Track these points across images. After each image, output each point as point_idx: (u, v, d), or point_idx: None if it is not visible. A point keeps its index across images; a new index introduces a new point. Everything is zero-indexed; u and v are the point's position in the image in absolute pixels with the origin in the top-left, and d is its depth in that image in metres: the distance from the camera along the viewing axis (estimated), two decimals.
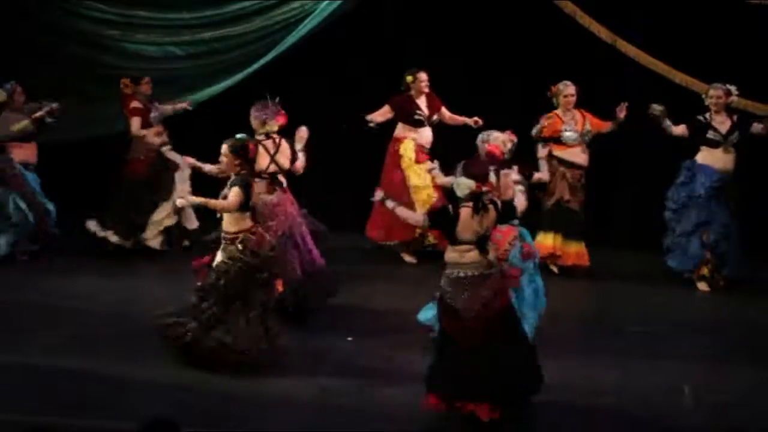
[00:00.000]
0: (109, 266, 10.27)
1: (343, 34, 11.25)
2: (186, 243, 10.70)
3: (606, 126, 10.22)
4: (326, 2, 10.92)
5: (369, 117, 10.37)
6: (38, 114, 10.34)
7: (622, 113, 10.02)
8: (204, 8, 11.31)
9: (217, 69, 11.10)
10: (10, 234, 10.29)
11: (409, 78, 10.45)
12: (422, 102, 10.54)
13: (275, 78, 10.90)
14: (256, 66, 11.00)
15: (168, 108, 10.60)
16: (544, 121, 10.08)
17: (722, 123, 9.79)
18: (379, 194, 7.73)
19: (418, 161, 10.37)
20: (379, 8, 11.27)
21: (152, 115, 10.50)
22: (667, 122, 9.84)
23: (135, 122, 10.49)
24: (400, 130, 10.60)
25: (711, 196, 9.72)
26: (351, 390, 7.34)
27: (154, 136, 10.53)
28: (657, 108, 9.80)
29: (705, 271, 9.86)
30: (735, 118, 9.82)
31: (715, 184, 9.70)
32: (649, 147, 10.20)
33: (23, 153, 10.52)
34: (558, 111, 10.22)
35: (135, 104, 10.51)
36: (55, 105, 10.35)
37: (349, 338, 8.39)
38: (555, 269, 10.34)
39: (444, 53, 11.25)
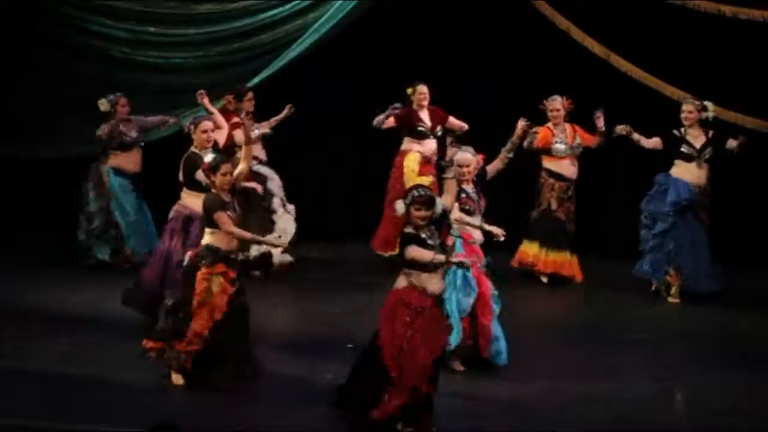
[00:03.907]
0: (112, 274, 10.35)
1: (343, 49, 11.38)
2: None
3: (593, 140, 10.35)
4: (328, 16, 11.04)
5: (375, 122, 10.51)
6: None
7: (600, 121, 10.16)
8: (212, 24, 11.43)
9: (225, 82, 11.14)
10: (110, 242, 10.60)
11: (410, 90, 10.61)
12: (424, 115, 10.68)
13: (277, 91, 11.10)
14: (258, 79, 11.11)
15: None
16: (536, 131, 10.27)
17: (696, 137, 9.80)
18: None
19: (421, 173, 10.46)
20: (380, 21, 11.42)
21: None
22: (636, 136, 9.85)
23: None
24: (406, 143, 10.72)
25: (682, 210, 9.78)
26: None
27: None
28: (623, 128, 9.84)
29: (674, 290, 9.95)
30: (710, 133, 9.83)
31: (688, 199, 9.75)
32: (641, 158, 10.32)
33: (120, 160, 10.69)
34: (549, 124, 10.41)
35: (236, 119, 10.32)
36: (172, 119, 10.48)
37: (350, 345, 8.41)
38: (544, 279, 10.48)
39: (441, 68, 11.35)
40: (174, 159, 8.92)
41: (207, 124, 8.73)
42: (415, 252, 6.65)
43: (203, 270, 7.46)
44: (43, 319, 9.06)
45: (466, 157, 7.99)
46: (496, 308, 8.02)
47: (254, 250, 10.24)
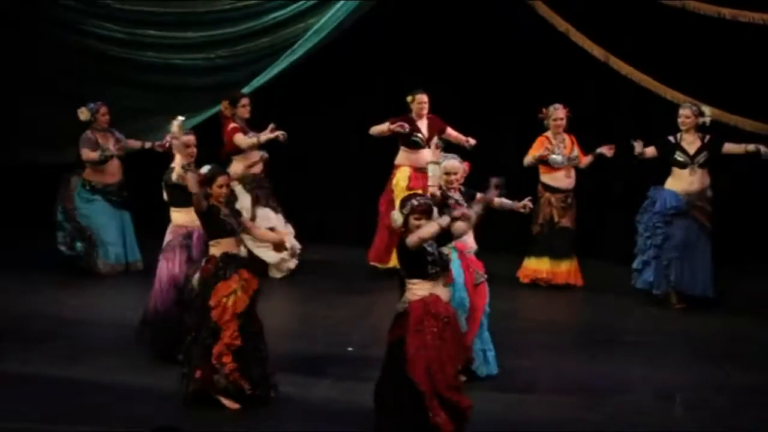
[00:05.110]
0: (115, 278, 10.44)
1: (343, 53, 11.42)
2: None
3: (585, 160, 10.35)
4: (327, 19, 11.07)
5: (372, 130, 10.52)
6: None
7: (608, 151, 10.14)
8: (212, 27, 11.46)
9: (226, 84, 11.16)
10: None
11: (409, 99, 10.55)
12: (423, 124, 10.59)
13: (277, 95, 11.12)
14: (258, 82, 11.15)
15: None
16: (542, 151, 10.26)
17: (691, 143, 9.76)
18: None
19: (409, 188, 10.42)
20: (379, 26, 11.38)
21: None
22: (646, 151, 9.82)
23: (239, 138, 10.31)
24: (400, 156, 10.67)
25: (671, 219, 9.73)
26: (351, 398, 7.39)
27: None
28: (639, 148, 9.79)
29: (675, 298, 9.92)
30: (706, 138, 9.79)
31: (675, 207, 9.70)
32: (640, 162, 10.34)
33: (96, 172, 10.62)
34: (548, 133, 10.38)
35: (233, 124, 10.34)
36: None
37: (350, 348, 8.51)
38: (542, 283, 10.48)
39: (438, 72, 11.39)
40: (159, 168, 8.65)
41: (189, 139, 8.34)
42: (420, 233, 6.39)
43: (227, 281, 7.29)
44: (44, 322, 9.08)
45: (454, 164, 7.81)
46: (485, 321, 7.87)
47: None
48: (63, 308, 9.49)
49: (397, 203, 10.01)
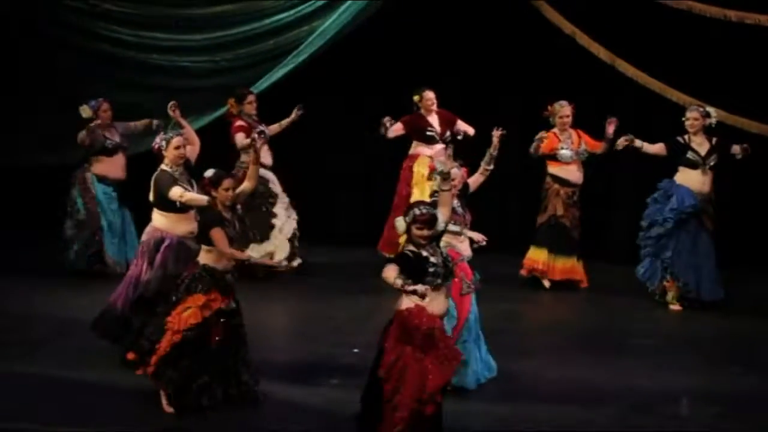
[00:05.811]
0: (117, 279, 10.36)
1: (349, 53, 11.45)
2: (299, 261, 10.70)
3: (599, 146, 10.35)
4: (332, 21, 11.10)
5: (389, 135, 10.56)
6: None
7: (611, 127, 10.12)
8: (217, 30, 11.50)
9: (228, 87, 11.10)
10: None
11: (416, 97, 10.66)
12: (433, 119, 10.73)
13: (282, 96, 11.13)
14: (263, 85, 11.18)
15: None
16: (541, 137, 10.29)
17: (700, 144, 9.77)
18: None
19: (429, 179, 10.47)
20: (385, 28, 11.41)
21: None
22: (638, 143, 9.80)
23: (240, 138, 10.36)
24: (414, 147, 10.80)
25: (686, 217, 9.76)
26: (356, 400, 7.29)
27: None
28: (624, 141, 9.77)
29: (671, 296, 9.94)
30: (714, 141, 9.80)
31: (692, 206, 9.72)
32: (645, 162, 10.34)
33: (104, 167, 10.62)
34: (555, 130, 10.41)
35: (240, 122, 10.41)
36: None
37: (356, 350, 8.50)
38: (547, 284, 10.51)
39: (444, 73, 11.43)
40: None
41: (179, 140, 8.26)
42: (385, 272, 6.33)
43: (197, 295, 7.25)
44: (47, 323, 9.10)
45: (453, 171, 7.80)
46: (466, 334, 7.73)
47: (254, 251, 10.22)
48: (66, 309, 9.49)
49: (414, 192, 10.27)
